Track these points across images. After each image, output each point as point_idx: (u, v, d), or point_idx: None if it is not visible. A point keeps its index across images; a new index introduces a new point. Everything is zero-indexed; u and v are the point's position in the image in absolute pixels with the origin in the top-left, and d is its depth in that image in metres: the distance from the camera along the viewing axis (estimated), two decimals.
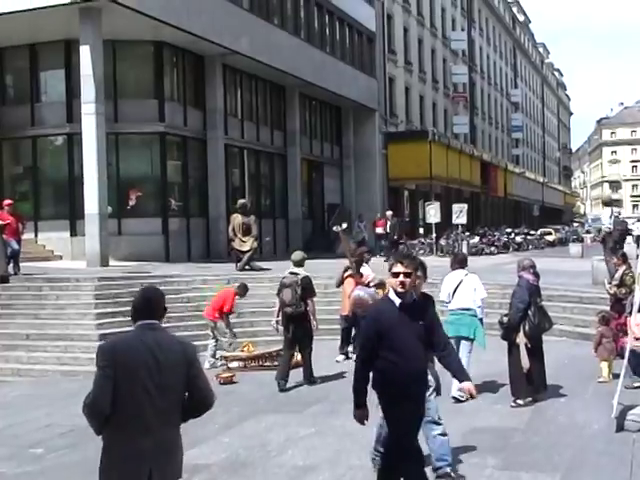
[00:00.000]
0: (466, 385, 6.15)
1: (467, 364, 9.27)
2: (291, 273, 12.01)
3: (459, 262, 10.70)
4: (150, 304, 4.57)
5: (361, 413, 6.09)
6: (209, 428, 9.42)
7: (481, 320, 10.32)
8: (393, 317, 5.71)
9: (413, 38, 44.93)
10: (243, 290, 14.23)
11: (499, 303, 16.09)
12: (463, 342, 10.13)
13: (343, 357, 13.52)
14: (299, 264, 12.14)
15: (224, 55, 25.43)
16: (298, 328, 11.68)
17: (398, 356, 5.67)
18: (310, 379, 11.80)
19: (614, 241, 16.46)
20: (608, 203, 22.31)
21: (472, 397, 6.57)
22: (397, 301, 5.75)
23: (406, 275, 5.71)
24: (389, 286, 6.08)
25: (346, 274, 13.36)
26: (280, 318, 11.95)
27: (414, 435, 6.01)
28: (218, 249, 24.76)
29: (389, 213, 28.50)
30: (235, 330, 15.26)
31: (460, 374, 6.21)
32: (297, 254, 12.49)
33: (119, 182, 23.10)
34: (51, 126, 23.61)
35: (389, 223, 27.56)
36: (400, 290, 5.72)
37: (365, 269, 13.34)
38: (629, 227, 25.58)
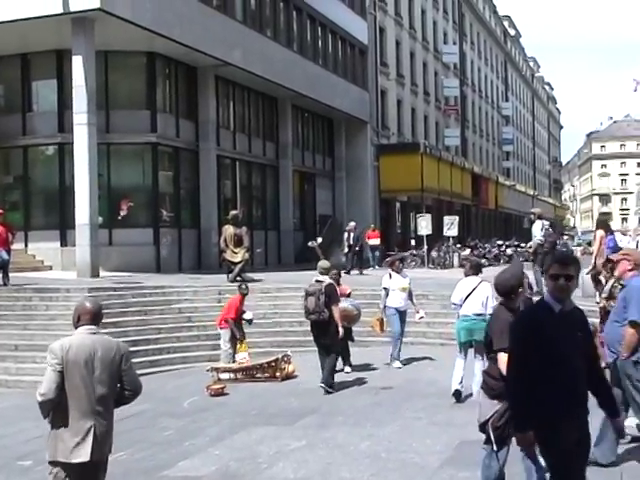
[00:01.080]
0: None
1: (481, 369, 9.34)
2: (317, 281, 12.24)
3: (473, 268, 11.05)
4: (93, 313, 5.65)
5: (530, 437, 4.98)
6: (200, 440, 9.40)
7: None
8: (552, 326, 4.89)
9: (405, 51, 45.08)
10: (245, 289, 14.59)
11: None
12: (477, 347, 10.28)
13: (349, 368, 13.53)
14: (325, 272, 12.48)
15: (217, 66, 25.47)
16: (323, 335, 11.99)
17: (557, 371, 4.83)
18: (329, 385, 11.87)
19: (544, 252, 17.06)
20: (603, 224, 22.22)
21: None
22: (556, 307, 4.96)
23: (568, 278, 4.94)
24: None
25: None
26: None
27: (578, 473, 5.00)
28: (209, 260, 24.72)
29: (352, 224, 26.76)
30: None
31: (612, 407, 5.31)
32: (323, 262, 13.13)
33: (110, 192, 23.08)
34: (43, 136, 23.58)
35: (352, 235, 26.03)
36: (560, 295, 4.96)
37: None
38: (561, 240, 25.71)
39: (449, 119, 53.58)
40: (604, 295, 12.60)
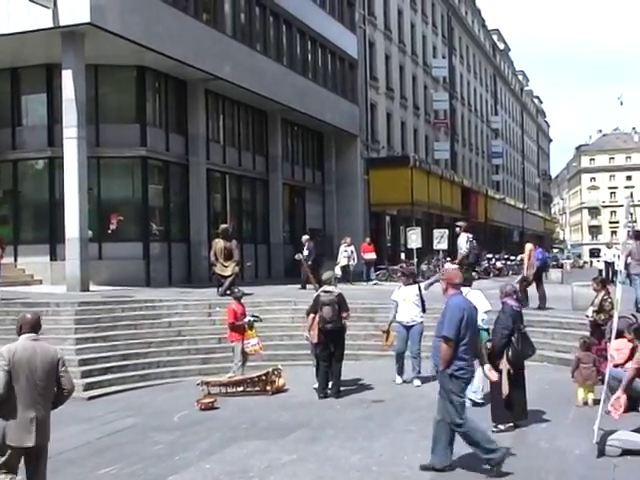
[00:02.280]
0: None
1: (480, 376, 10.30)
2: (325, 292, 12.52)
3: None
4: (32, 323, 6.83)
5: None
6: (190, 454, 9.36)
7: (487, 330, 10.87)
8: None
9: (394, 65, 45.27)
10: (238, 292, 14.58)
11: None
12: None
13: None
14: (332, 282, 12.80)
15: (207, 80, 25.50)
16: (337, 342, 12.40)
17: None
18: (339, 392, 12.29)
19: (469, 263, 18.32)
20: (532, 239, 22.83)
21: None
22: None
23: None
24: None
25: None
26: (314, 332, 12.47)
27: None
28: (199, 274, 24.68)
29: (305, 237, 24.51)
30: (218, 356, 15.29)
31: None
32: (329, 273, 13.35)
33: (100, 206, 23.05)
34: (32, 150, 23.54)
35: (305, 248, 23.54)
36: None
37: None
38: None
39: (439, 133, 53.79)
40: (594, 308, 12.70)
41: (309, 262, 22.48)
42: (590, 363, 11.36)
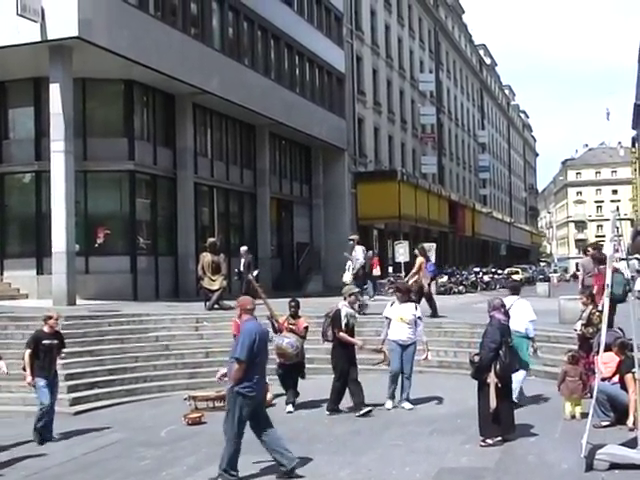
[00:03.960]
0: None
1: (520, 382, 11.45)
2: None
3: (510, 289, 12.72)
4: None
5: None
6: (177, 469, 9.30)
7: (532, 338, 11.74)
8: None
9: (382, 79, 45.49)
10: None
11: (468, 342, 16.17)
12: None
13: (292, 407, 12.66)
14: (344, 295, 12.56)
15: (194, 94, 25.53)
16: (331, 355, 12.39)
17: None
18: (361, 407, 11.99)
19: (364, 273, 20.00)
20: (423, 252, 23.49)
21: None
22: None
23: None
24: None
25: (282, 319, 12.90)
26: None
27: None
28: (187, 288, 24.62)
29: (243, 249, 23.20)
30: (205, 370, 15.21)
31: None
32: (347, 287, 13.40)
33: (87, 220, 22.99)
34: (19, 163, 23.46)
35: (242, 260, 22.69)
36: None
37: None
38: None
39: (426, 147, 54.01)
40: (582, 322, 12.72)
41: (250, 276, 21.54)
42: (577, 376, 11.37)
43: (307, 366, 13.62)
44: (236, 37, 28.64)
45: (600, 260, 14.62)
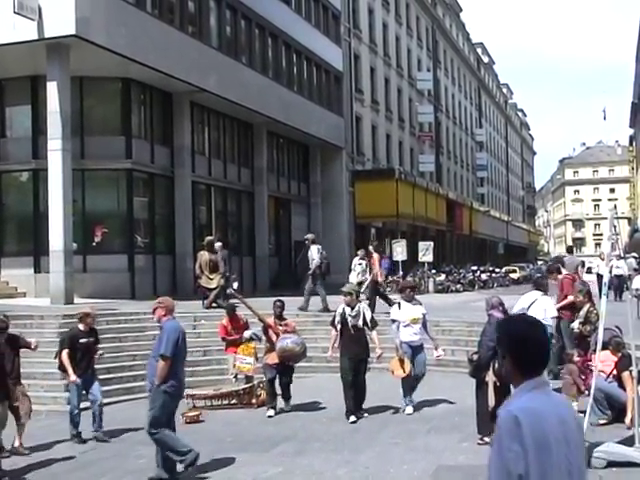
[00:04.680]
0: None
1: None
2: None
3: (534, 284, 12.91)
4: None
5: None
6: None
7: (552, 335, 11.84)
8: None
9: (380, 78, 45.49)
10: (229, 310, 14.26)
11: (465, 340, 16.19)
12: None
13: (274, 412, 12.35)
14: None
15: (192, 93, 25.51)
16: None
17: None
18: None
19: (322, 273, 19.89)
20: (378, 249, 23.51)
21: None
22: None
23: None
24: None
25: (270, 320, 12.83)
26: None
27: None
28: (185, 286, 24.59)
29: (218, 245, 21.40)
30: (203, 369, 15.23)
31: None
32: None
33: (85, 218, 22.94)
34: (16, 162, 23.42)
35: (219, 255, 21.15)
36: None
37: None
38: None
39: (424, 145, 54.01)
40: (580, 320, 12.74)
41: (227, 274, 20.95)
42: (568, 375, 11.40)
43: (305, 364, 13.66)
44: (234, 35, 28.63)
45: (557, 270, 14.83)
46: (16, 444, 10.02)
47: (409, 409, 11.82)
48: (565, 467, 3.14)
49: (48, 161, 20.50)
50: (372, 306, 18.40)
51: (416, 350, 11.96)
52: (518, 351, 3.26)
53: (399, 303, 12.26)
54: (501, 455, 3.09)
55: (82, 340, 11.12)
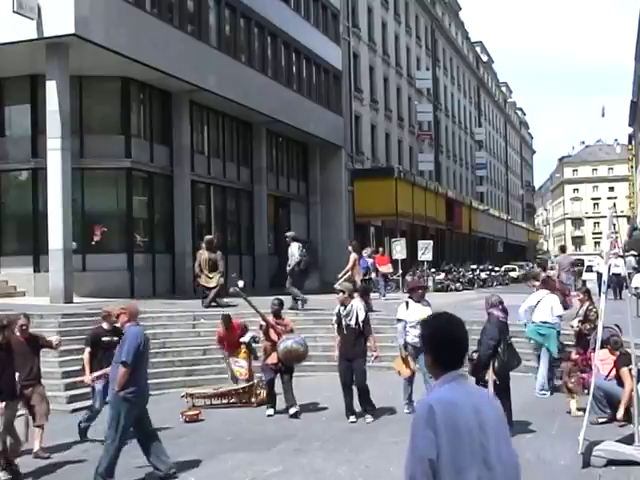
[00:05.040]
0: None
1: (544, 367, 12.56)
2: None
3: (542, 283, 13.67)
4: None
5: None
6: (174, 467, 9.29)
7: (558, 332, 12.70)
8: None
9: (379, 77, 45.46)
10: (224, 320, 14.13)
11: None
12: (543, 349, 12.73)
13: (273, 410, 12.31)
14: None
15: (191, 92, 25.49)
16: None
17: None
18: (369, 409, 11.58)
19: (300, 270, 19.77)
20: (357, 249, 23.43)
21: None
22: None
23: None
24: None
25: (270, 319, 12.72)
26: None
27: None
28: (184, 285, 24.60)
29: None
30: (202, 368, 15.24)
31: None
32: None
33: (84, 218, 22.94)
34: (16, 161, 23.40)
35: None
36: None
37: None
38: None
39: (423, 144, 53.99)
40: (579, 319, 12.77)
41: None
42: (569, 372, 11.43)
43: (304, 363, 13.65)
44: (233, 34, 28.61)
45: (534, 277, 15.08)
46: (36, 448, 9.87)
47: (407, 409, 11.68)
48: (479, 453, 3.39)
49: (47, 160, 20.49)
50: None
51: (420, 352, 11.36)
52: (437, 347, 3.58)
53: (406, 302, 11.97)
54: (416, 441, 3.45)
55: (104, 339, 10.95)
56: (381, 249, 29.71)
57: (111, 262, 23.25)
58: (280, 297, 13.38)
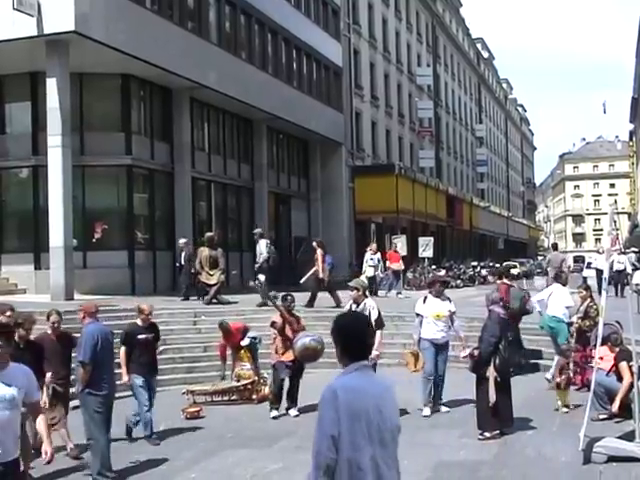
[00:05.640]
0: None
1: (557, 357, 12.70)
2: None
3: (554, 278, 14.44)
4: None
5: None
6: (175, 464, 9.31)
7: (569, 324, 12.91)
8: None
9: (379, 73, 45.42)
10: (222, 329, 13.98)
11: (466, 336, 16.15)
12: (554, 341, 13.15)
13: (277, 412, 11.98)
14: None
15: (192, 89, 25.48)
16: None
17: None
18: None
19: (269, 266, 20.36)
20: (321, 245, 23.52)
21: None
22: None
23: None
24: None
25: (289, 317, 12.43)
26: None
27: None
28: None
29: (182, 241, 21.93)
30: (203, 365, 15.26)
31: None
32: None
33: (85, 215, 22.94)
34: (16, 158, 23.40)
35: (183, 254, 21.43)
36: None
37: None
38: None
39: (423, 141, 53.94)
40: (579, 315, 12.78)
41: (192, 271, 20.63)
42: (568, 368, 11.44)
43: None
44: (233, 31, 28.59)
45: (500, 275, 14.96)
46: (70, 446, 9.66)
47: (426, 410, 11.30)
48: (375, 432, 4.04)
49: (48, 157, 20.49)
50: (312, 300, 19.35)
51: (439, 348, 11.31)
52: (344, 340, 4.18)
53: (425, 297, 11.67)
54: (322, 420, 4.06)
55: (140, 336, 10.59)
56: (394, 246, 29.44)
57: (112, 259, 23.24)
58: (292, 293, 13.22)
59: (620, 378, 10.34)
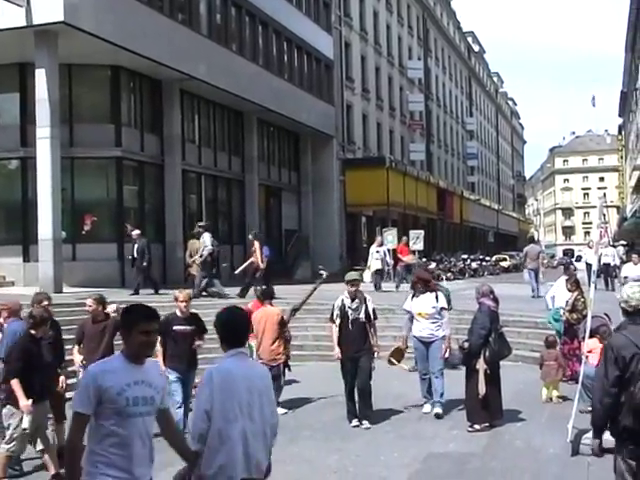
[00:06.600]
0: None
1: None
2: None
3: (564, 269, 14.61)
4: None
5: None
6: (164, 456, 9.24)
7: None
8: None
9: (370, 66, 45.37)
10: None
11: (456, 328, 16.17)
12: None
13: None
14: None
15: (182, 80, 25.38)
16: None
17: None
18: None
19: (212, 260, 20.64)
20: (259, 238, 23.43)
21: None
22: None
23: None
24: None
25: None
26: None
27: None
28: (175, 275, 24.53)
29: (136, 233, 21.00)
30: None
31: None
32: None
33: (74, 207, 22.83)
34: (4, 150, 23.22)
35: (136, 245, 20.61)
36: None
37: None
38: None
39: (414, 134, 53.95)
40: (567, 308, 12.81)
41: (144, 264, 20.33)
42: (552, 360, 11.48)
43: (295, 353, 13.65)
44: (224, 23, 28.48)
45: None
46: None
47: (426, 407, 11.02)
48: (245, 409, 4.81)
49: (37, 149, 20.36)
50: (246, 291, 19.60)
51: (427, 346, 10.95)
52: (222, 331, 4.99)
53: (413, 294, 11.34)
54: (199, 397, 4.86)
55: (177, 327, 9.93)
56: (405, 238, 29.10)
57: (101, 252, 23.15)
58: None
59: None
